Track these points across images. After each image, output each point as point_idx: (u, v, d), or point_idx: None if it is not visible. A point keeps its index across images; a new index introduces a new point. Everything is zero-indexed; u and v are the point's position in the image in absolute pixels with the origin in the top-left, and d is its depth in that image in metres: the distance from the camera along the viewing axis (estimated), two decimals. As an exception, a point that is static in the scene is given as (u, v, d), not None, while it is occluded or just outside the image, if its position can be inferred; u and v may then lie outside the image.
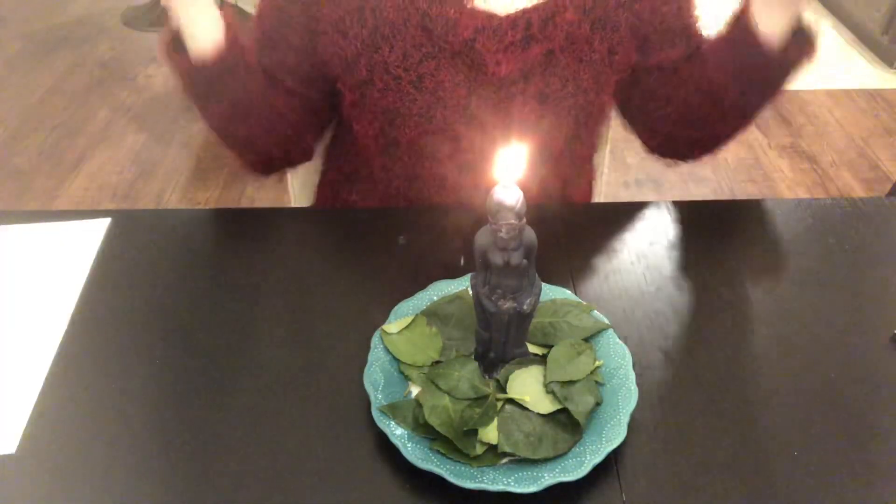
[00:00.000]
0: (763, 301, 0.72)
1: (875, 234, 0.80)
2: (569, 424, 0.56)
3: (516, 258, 0.52)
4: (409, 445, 0.54)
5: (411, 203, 0.87)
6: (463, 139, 0.80)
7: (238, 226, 0.82)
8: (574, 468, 0.53)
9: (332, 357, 0.64)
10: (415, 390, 0.60)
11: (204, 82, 0.73)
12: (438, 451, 0.54)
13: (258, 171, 0.88)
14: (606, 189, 1.07)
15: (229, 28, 0.70)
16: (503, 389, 0.58)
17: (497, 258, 0.52)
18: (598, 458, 0.53)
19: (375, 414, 0.56)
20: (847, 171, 2.18)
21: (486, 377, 0.60)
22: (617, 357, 0.62)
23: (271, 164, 0.88)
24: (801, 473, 0.56)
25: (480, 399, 0.57)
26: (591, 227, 0.83)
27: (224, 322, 0.68)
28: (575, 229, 0.81)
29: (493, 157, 0.49)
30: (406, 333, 0.63)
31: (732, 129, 0.83)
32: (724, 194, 2.09)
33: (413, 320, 0.64)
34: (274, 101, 0.79)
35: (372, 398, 0.57)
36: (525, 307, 0.55)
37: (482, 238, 0.53)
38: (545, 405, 0.57)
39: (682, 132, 0.85)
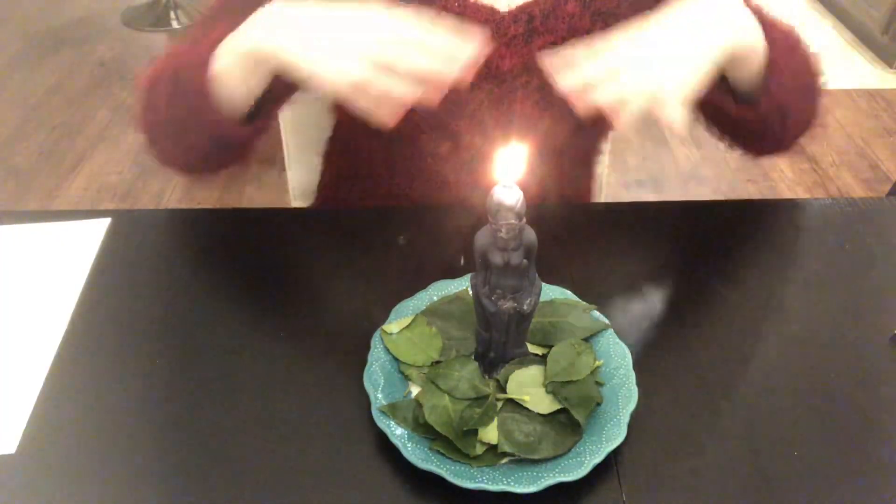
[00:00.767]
0: (763, 301, 0.72)
1: (875, 234, 0.80)
2: (569, 424, 0.56)
3: (516, 258, 0.52)
4: (409, 445, 0.54)
5: (412, 202, 0.87)
6: (463, 136, 0.80)
7: (238, 226, 0.82)
8: (574, 468, 0.53)
9: (332, 357, 0.64)
10: (415, 390, 0.60)
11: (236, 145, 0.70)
12: (438, 451, 0.54)
13: (184, 173, 0.82)
14: (606, 189, 1.07)
15: None
16: (503, 389, 0.58)
17: (497, 258, 0.52)
18: (598, 458, 0.53)
19: (375, 414, 0.56)
20: (847, 171, 2.19)
21: (486, 377, 0.60)
22: (617, 357, 0.62)
23: (206, 171, 0.83)
24: (801, 473, 0.56)
25: (480, 399, 0.57)
26: (591, 227, 0.83)
27: (224, 322, 0.68)
28: (575, 229, 0.81)
29: (492, 154, 0.49)
30: (406, 333, 0.63)
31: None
32: (724, 194, 2.09)
33: (413, 320, 0.64)
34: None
35: (372, 398, 0.57)
36: (525, 307, 0.55)
37: (482, 238, 0.53)
38: (545, 405, 0.57)
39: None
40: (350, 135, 0.88)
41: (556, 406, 0.57)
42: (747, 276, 0.75)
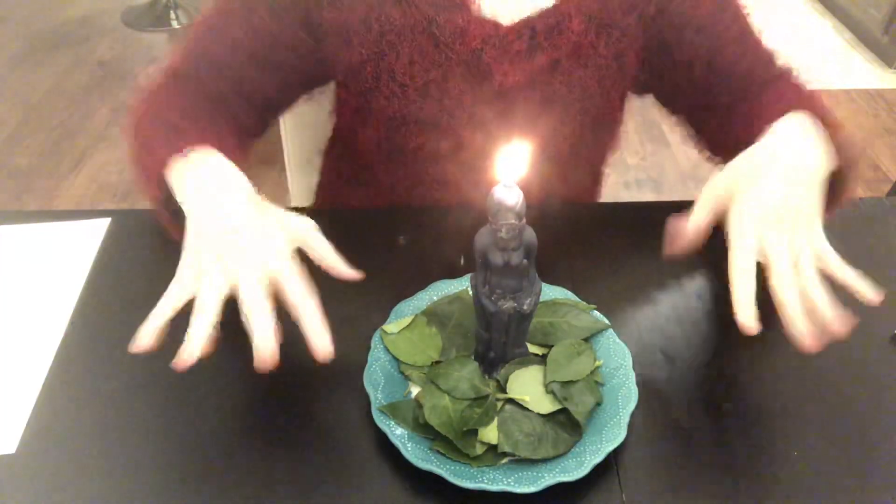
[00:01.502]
0: (763, 301, 0.72)
1: (875, 234, 0.80)
2: (569, 424, 0.56)
3: (516, 258, 0.52)
4: (409, 445, 0.54)
5: (412, 202, 0.87)
6: (466, 142, 0.80)
7: (238, 226, 0.82)
8: (574, 468, 0.53)
9: (333, 357, 0.64)
10: (415, 390, 0.60)
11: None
12: (438, 451, 0.54)
13: None
14: (606, 189, 1.07)
15: None
16: (503, 389, 0.58)
17: (497, 258, 0.52)
18: (598, 458, 0.53)
19: (375, 414, 0.56)
20: (847, 171, 2.18)
21: (486, 377, 0.60)
22: (617, 357, 0.62)
23: None
24: (801, 473, 0.56)
25: (480, 399, 0.57)
26: (592, 227, 0.83)
27: (224, 321, 0.68)
28: (575, 229, 0.81)
29: (494, 156, 0.49)
30: (406, 333, 0.63)
31: None
32: (724, 194, 2.08)
33: (413, 320, 0.64)
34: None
35: (372, 398, 0.57)
36: (525, 307, 0.55)
37: (482, 238, 0.53)
38: (545, 405, 0.57)
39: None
40: (350, 135, 0.88)
41: (556, 406, 0.57)
42: (747, 276, 0.74)
